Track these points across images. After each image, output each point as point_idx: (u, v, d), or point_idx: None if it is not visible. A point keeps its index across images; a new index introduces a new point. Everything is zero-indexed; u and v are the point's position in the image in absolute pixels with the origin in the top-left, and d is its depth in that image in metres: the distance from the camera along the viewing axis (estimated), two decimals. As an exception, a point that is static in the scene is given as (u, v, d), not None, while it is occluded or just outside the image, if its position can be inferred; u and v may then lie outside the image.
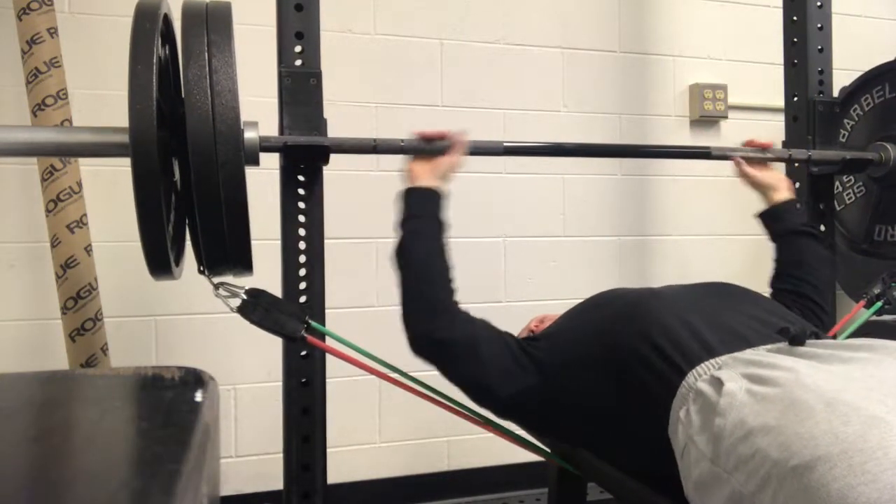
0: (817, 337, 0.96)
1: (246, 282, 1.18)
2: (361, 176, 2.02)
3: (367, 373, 1.24)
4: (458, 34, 2.11)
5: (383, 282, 2.04)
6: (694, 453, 0.85)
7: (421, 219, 1.19)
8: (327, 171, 1.35)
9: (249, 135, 1.16)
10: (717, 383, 0.86)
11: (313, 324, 1.22)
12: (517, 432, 1.29)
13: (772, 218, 1.40)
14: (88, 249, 1.59)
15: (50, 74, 1.54)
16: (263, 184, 1.55)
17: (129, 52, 0.96)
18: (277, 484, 1.39)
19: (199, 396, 0.50)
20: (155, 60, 0.96)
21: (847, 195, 1.96)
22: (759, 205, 1.44)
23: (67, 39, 1.66)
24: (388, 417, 2.06)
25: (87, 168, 1.69)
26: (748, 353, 0.92)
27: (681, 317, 1.01)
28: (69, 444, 0.46)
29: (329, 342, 1.26)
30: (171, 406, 0.50)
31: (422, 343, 1.12)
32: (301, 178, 1.32)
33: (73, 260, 1.56)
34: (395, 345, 1.96)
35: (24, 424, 0.49)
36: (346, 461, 2.02)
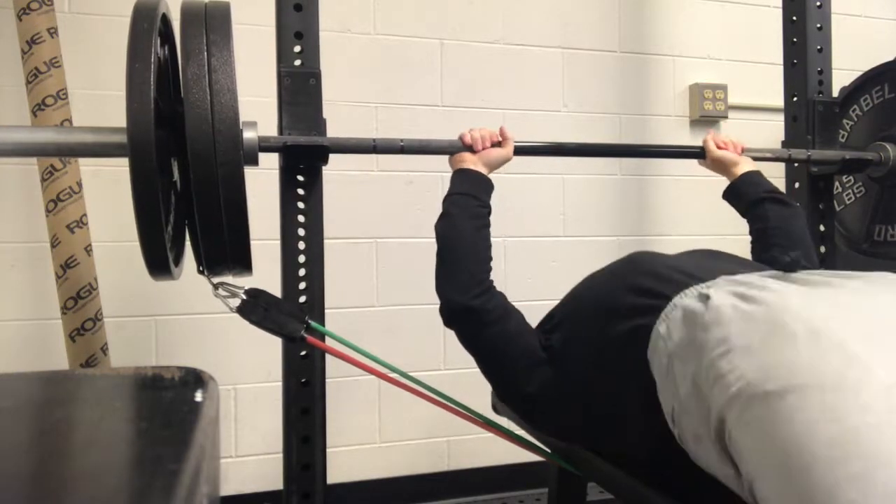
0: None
1: (245, 282, 1.18)
2: (361, 176, 2.02)
3: (366, 373, 1.24)
4: (458, 34, 2.11)
5: (383, 282, 2.04)
6: (679, 369, 0.84)
7: (470, 197, 1.23)
8: (327, 171, 1.35)
9: (248, 135, 1.16)
10: (704, 298, 0.85)
11: (313, 324, 1.22)
12: (518, 432, 1.29)
13: (735, 195, 1.42)
14: (88, 249, 1.59)
15: (50, 74, 1.54)
16: (263, 184, 1.56)
17: (127, 52, 0.96)
18: (277, 484, 1.39)
19: (199, 396, 0.50)
20: (153, 60, 0.96)
21: (847, 195, 1.96)
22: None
23: (67, 39, 1.66)
24: (388, 417, 2.06)
25: (87, 168, 1.70)
26: (739, 276, 0.91)
27: (669, 264, 1.02)
28: (69, 444, 0.46)
29: (329, 342, 1.26)
30: (171, 406, 0.50)
31: (456, 308, 1.15)
32: (301, 178, 1.32)
33: (73, 260, 1.56)
34: (395, 345, 1.97)
35: (24, 424, 0.49)
36: (346, 461, 2.02)
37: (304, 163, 1.31)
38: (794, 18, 1.75)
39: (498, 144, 1.34)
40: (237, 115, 1.01)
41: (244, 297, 1.16)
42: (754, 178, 1.41)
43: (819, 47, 1.73)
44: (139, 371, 0.59)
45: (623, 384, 1.00)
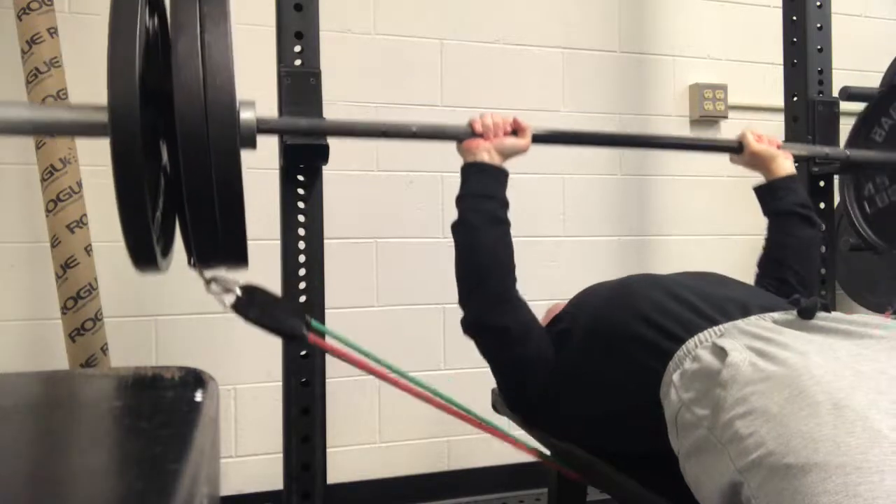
0: (826, 310, 0.93)
1: (242, 276, 1.16)
2: (361, 176, 2.02)
3: (367, 373, 1.24)
4: (458, 34, 2.11)
5: (383, 282, 2.04)
6: (689, 418, 0.85)
7: (486, 199, 1.16)
8: (327, 171, 1.35)
9: (246, 115, 1.07)
10: (720, 352, 0.85)
11: (313, 322, 1.21)
12: (516, 433, 1.29)
13: (768, 194, 1.39)
14: (88, 249, 1.59)
15: (50, 74, 1.54)
16: (263, 184, 1.56)
17: (109, 22, 0.87)
18: (277, 484, 1.39)
19: (199, 396, 0.50)
20: (139, 32, 0.87)
21: (880, 198, 1.79)
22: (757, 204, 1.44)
23: (67, 39, 1.66)
24: (388, 417, 2.06)
25: (87, 168, 1.69)
26: (753, 323, 0.90)
27: (670, 292, 1.01)
28: (69, 444, 0.46)
29: (329, 341, 1.25)
30: (171, 406, 0.50)
31: (476, 326, 1.13)
32: (301, 177, 1.32)
33: (73, 260, 1.56)
34: (395, 345, 1.97)
35: (24, 424, 0.49)
36: (346, 461, 2.02)
37: (304, 162, 1.31)
38: (794, 18, 1.75)
39: (513, 133, 1.26)
40: (233, 95, 0.92)
41: (239, 293, 1.08)
42: (793, 184, 1.38)
43: (819, 47, 1.73)
44: (139, 371, 0.59)
45: (634, 412, 1.01)
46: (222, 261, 1.04)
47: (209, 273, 1.07)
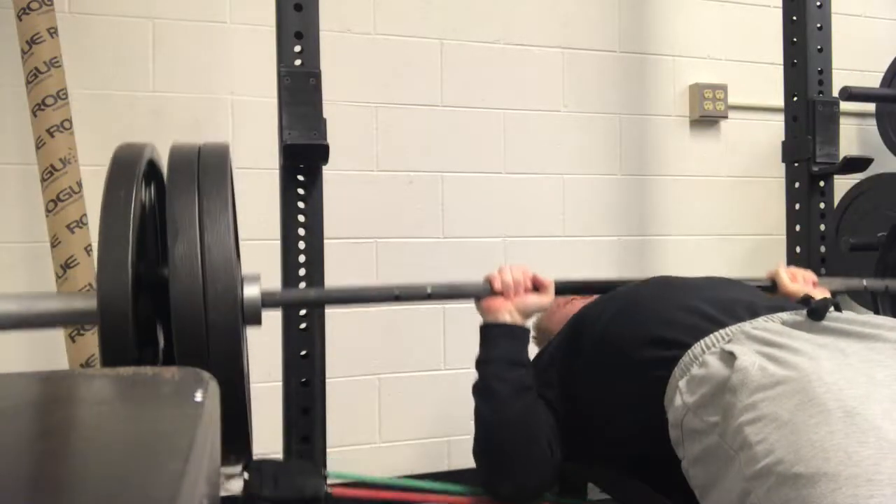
0: (837, 309, 0.92)
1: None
2: (361, 176, 2.02)
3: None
4: (458, 34, 2.11)
5: (383, 281, 2.04)
6: (697, 424, 0.84)
7: (512, 366, 1.11)
8: (327, 171, 1.35)
9: (250, 293, 0.95)
10: (729, 357, 0.83)
11: (332, 472, 1.13)
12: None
13: None
14: (88, 249, 1.59)
15: (50, 74, 1.54)
16: (264, 183, 1.56)
17: (102, 203, 0.81)
18: (277, 484, 1.39)
19: (199, 396, 0.50)
20: (132, 218, 0.81)
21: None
22: (759, 204, 1.44)
23: (67, 39, 1.66)
24: (388, 417, 2.06)
25: (87, 168, 1.69)
26: (761, 325, 0.88)
27: (675, 300, 1.00)
28: (69, 444, 0.46)
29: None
30: (171, 406, 0.50)
31: (504, 497, 1.12)
32: (301, 177, 1.32)
33: (73, 260, 1.55)
34: (395, 345, 1.97)
35: (24, 424, 0.49)
36: (346, 461, 2.01)
37: (304, 162, 1.31)
38: (794, 18, 1.75)
39: (534, 289, 1.19)
40: (235, 294, 0.86)
41: (246, 476, 0.99)
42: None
43: (819, 47, 1.73)
44: (139, 371, 0.59)
45: (641, 421, 1.00)
46: (223, 457, 0.99)
47: None
